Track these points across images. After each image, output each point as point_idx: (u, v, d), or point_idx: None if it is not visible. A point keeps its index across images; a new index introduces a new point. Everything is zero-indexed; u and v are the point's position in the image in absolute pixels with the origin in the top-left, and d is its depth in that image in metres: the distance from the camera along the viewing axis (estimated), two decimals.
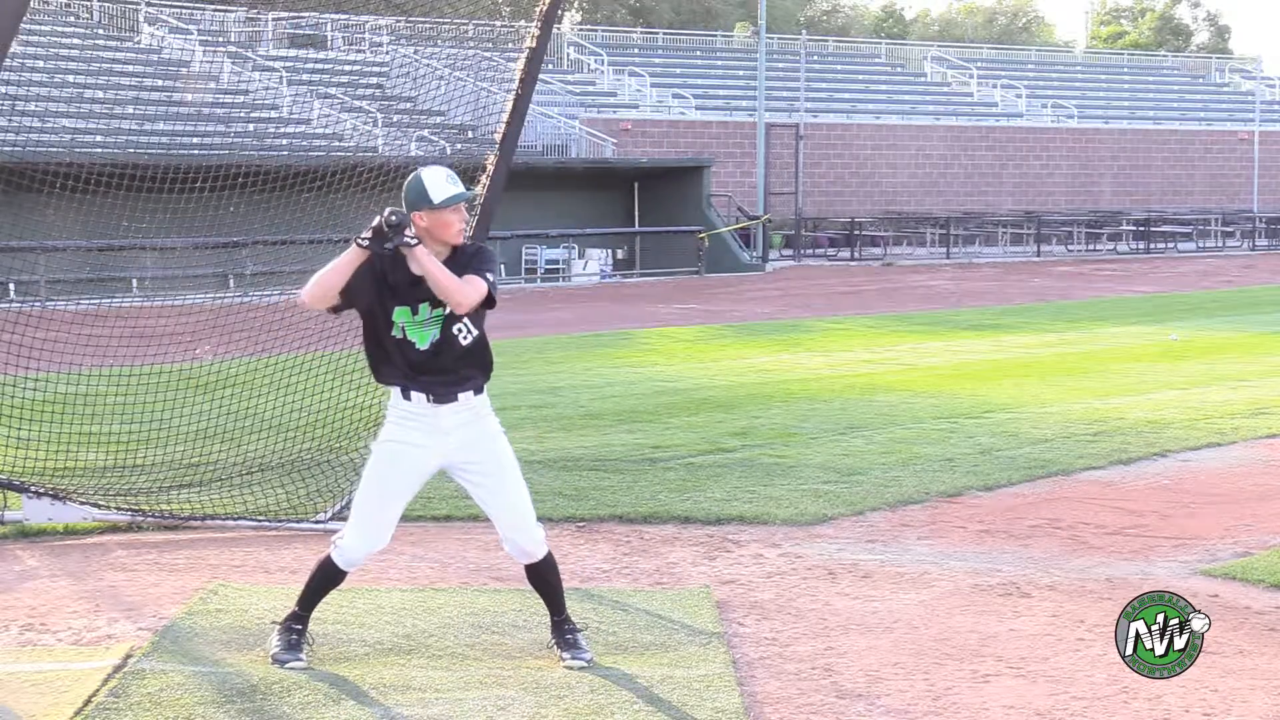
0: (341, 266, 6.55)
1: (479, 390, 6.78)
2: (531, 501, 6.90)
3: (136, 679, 6.60)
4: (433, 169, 6.72)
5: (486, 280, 6.58)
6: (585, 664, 6.85)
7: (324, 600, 7.08)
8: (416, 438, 6.71)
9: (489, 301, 6.63)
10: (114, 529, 9.77)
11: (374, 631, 7.34)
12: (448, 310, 6.60)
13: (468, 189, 6.74)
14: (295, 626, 6.95)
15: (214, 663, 6.85)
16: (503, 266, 37.89)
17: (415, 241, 6.47)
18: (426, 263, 6.48)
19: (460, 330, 6.66)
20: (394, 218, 6.47)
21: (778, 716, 6.26)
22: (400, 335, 6.65)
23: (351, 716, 6.18)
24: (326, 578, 6.93)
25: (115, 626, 7.59)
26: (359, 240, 6.50)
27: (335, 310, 6.77)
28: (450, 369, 6.69)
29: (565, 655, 6.91)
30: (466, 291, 6.54)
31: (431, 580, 8.45)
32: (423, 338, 6.66)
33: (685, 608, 7.77)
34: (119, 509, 9.86)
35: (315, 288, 6.59)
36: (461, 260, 6.64)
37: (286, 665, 6.77)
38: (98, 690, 6.44)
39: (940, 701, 6.44)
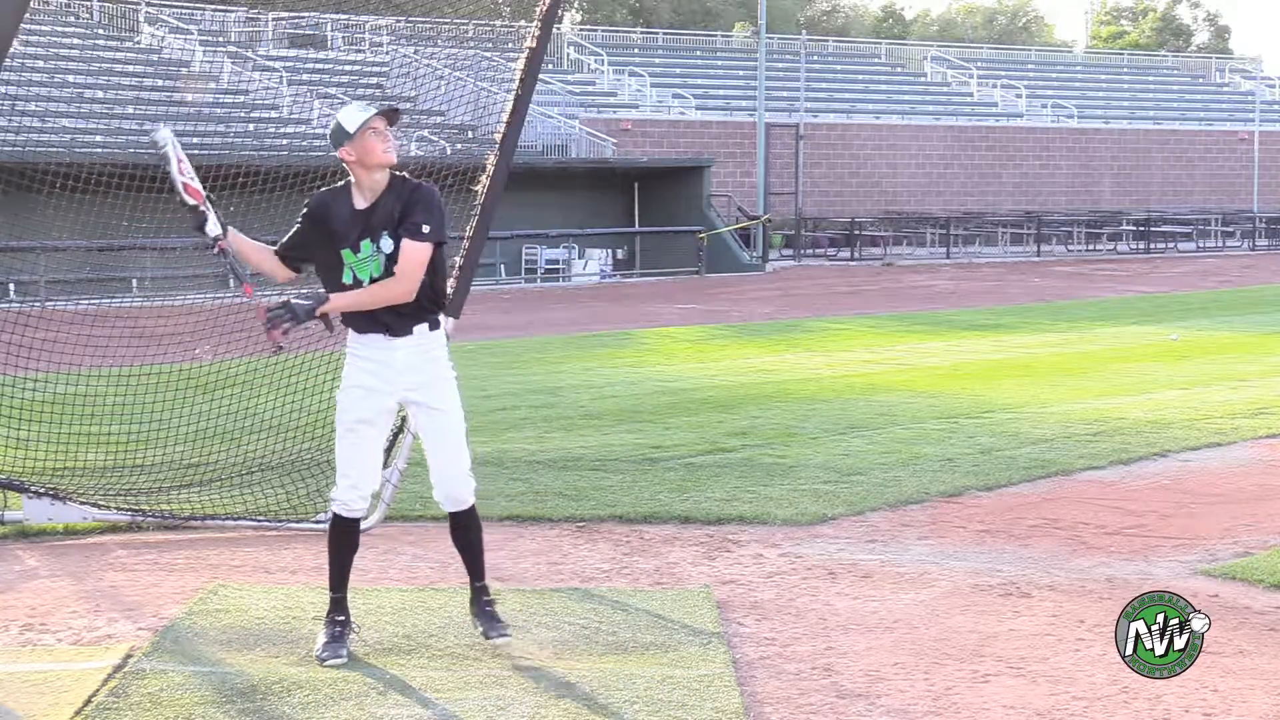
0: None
1: (434, 325, 6.95)
2: (468, 449, 7.11)
3: (136, 679, 6.60)
4: (347, 106, 6.93)
5: (421, 234, 6.74)
6: (508, 638, 7.02)
7: (323, 599, 7.08)
8: (371, 381, 6.90)
9: (436, 244, 6.83)
10: (114, 529, 9.77)
11: (374, 631, 7.34)
12: (384, 250, 6.78)
13: (387, 105, 6.95)
14: (338, 618, 7.02)
15: (214, 663, 6.85)
16: (502, 266, 37.94)
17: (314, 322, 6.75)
18: (343, 304, 6.80)
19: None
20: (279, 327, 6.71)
21: (778, 716, 6.26)
22: (351, 279, 6.84)
23: (351, 716, 6.18)
24: (340, 539, 7.08)
25: (115, 626, 7.59)
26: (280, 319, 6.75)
27: (296, 272, 7.09)
28: (400, 310, 6.85)
29: (489, 631, 7.06)
30: (399, 285, 6.75)
31: (431, 580, 8.44)
32: (364, 273, 6.83)
33: (685, 608, 7.77)
34: (119, 509, 9.86)
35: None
36: (403, 199, 6.81)
37: (326, 663, 6.79)
38: (98, 690, 6.44)
39: (940, 701, 6.44)
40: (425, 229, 6.74)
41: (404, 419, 8.56)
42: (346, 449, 6.98)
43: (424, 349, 6.93)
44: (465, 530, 7.18)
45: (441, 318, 7.04)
